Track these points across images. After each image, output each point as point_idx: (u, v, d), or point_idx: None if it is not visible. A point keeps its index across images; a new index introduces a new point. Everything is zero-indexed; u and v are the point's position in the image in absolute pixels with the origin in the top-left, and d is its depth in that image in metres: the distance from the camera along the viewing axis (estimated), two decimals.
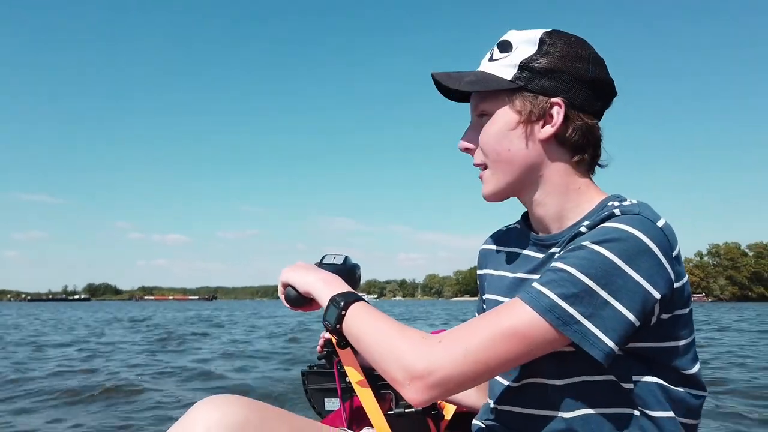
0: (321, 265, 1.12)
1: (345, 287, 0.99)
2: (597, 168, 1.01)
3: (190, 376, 6.49)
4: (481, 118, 0.98)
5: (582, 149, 0.95)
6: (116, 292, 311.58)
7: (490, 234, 1.18)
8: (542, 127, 0.94)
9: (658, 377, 0.87)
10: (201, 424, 0.78)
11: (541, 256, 1.00)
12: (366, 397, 1.04)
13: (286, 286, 1.06)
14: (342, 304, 0.93)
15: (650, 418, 0.87)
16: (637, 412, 0.87)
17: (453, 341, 0.83)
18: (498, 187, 0.98)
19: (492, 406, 1.03)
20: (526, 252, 1.04)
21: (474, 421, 1.07)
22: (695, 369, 0.90)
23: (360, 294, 1.00)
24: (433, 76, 0.98)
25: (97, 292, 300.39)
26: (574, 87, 0.94)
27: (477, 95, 0.99)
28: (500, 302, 1.01)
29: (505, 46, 0.97)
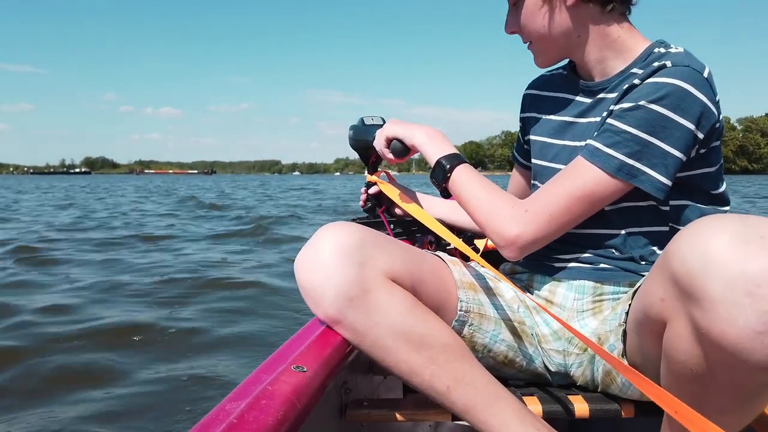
0: (364, 126, 1.30)
1: (448, 147, 1.11)
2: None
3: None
4: (514, 5, 1.09)
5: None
6: (114, 165, 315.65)
7: (533, 79, 1.26)
8: None
9: (690, 200, 1.03)
10: (330, 242, 0.91)
11: (588, 100, 1.10)
12: (432, 222, 1.18)
13: (390, 140, 1.18)
14: (447, 167, 1.07)
15: None
16: (670, 229, 1.04)
17: (538, 209, 0.99)
18: (545, 57, 1.12)
19: None
20: (572, 97, 1.14)
21: None
22: (722, 188, 1.05)
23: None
24: None
25: (95, 165, 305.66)
26: None
27: None
28: (546, 143, 1.17)
29: None
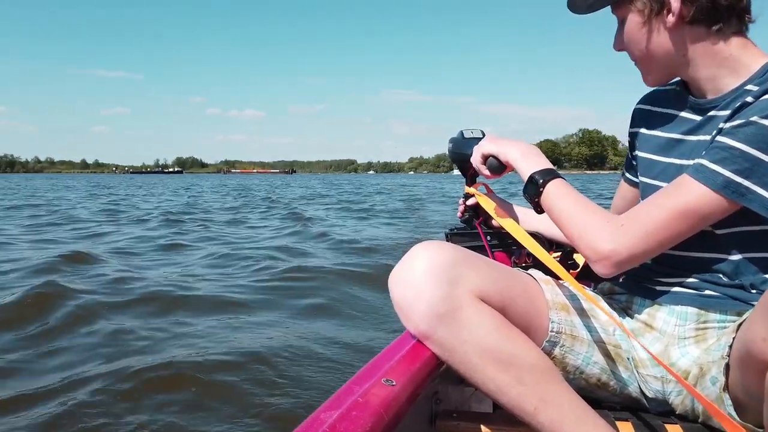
0: (463, 139, 1.31)
1: (542, 162, 1.09)
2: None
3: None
4: (621, 23, 1.06)
5: (716, 19, 0.98)
6: (203, 165, 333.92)
7: (644, 94, 1.21)
8: (666, 18, 0.99)
9: None
10: (422, 259, 0.94)
11: (698, 118, 1.05)
12: (526, 239, 1.17)
13: (487, 157, 1.17)
14: (540, 182, 1.05)
15: None
16: None
17: (633, 224, 0.95)
18: (652, 76, 1.09)
19: None
20: (682, 114, 1.10)
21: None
22: None
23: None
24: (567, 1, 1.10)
25: (185, 165, 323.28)
26: None
27: (611, 5, 1.06)
28: (652, 160, 1.13)
29: None
